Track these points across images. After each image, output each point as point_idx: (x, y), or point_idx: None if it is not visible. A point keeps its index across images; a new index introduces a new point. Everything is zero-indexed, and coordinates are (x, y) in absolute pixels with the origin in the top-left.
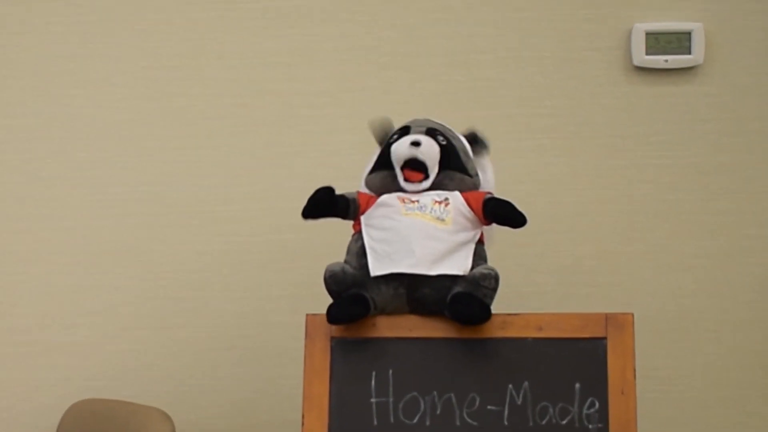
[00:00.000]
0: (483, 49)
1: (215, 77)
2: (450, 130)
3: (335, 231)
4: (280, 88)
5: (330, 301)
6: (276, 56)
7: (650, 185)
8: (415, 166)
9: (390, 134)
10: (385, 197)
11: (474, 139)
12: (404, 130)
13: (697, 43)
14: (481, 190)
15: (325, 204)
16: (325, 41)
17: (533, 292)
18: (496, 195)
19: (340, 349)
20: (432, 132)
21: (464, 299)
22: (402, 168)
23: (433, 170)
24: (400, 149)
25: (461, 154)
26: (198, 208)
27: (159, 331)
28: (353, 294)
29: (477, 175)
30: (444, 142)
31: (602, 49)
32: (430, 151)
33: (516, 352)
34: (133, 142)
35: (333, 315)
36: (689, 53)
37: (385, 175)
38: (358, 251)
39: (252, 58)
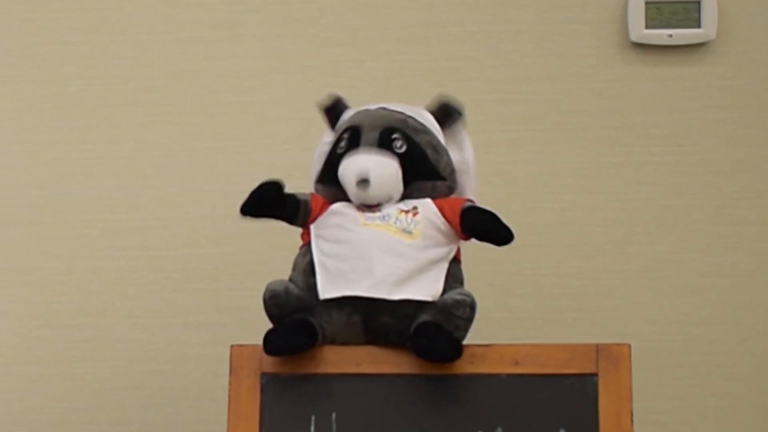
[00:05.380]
0: (446, 22)
1: (119, 55)
2: (412, 117)
3: (270, 244)
4: (198, 68)
5: (269, 327)
6: (193, 30)
7: (651, 188)
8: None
9: (341, 129)
10: (339, 204)
11: (446, 113)
12: (353, 136)
13: (708, 14)
14: (458, 189)
15: (271, 202)
16: (254, 11)
17: (508, 319)
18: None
19: (273, 387)
20: (387, 137)
21: (430, 331)
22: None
23: (396, 190)
24: (348, 184)
25: (429, 153)
26: (98, 216)
27: (50, 366)
28: (297, 320)
29: (453, 172)
30: (403, 149)
31: (592, 22)
32: (385, 179)
33: (487, 392)
34: (17, 134)
35: (271, 344)
36: (698, 26)
37: (336, 192)
38: (306, 268)
39: (163, 32)
